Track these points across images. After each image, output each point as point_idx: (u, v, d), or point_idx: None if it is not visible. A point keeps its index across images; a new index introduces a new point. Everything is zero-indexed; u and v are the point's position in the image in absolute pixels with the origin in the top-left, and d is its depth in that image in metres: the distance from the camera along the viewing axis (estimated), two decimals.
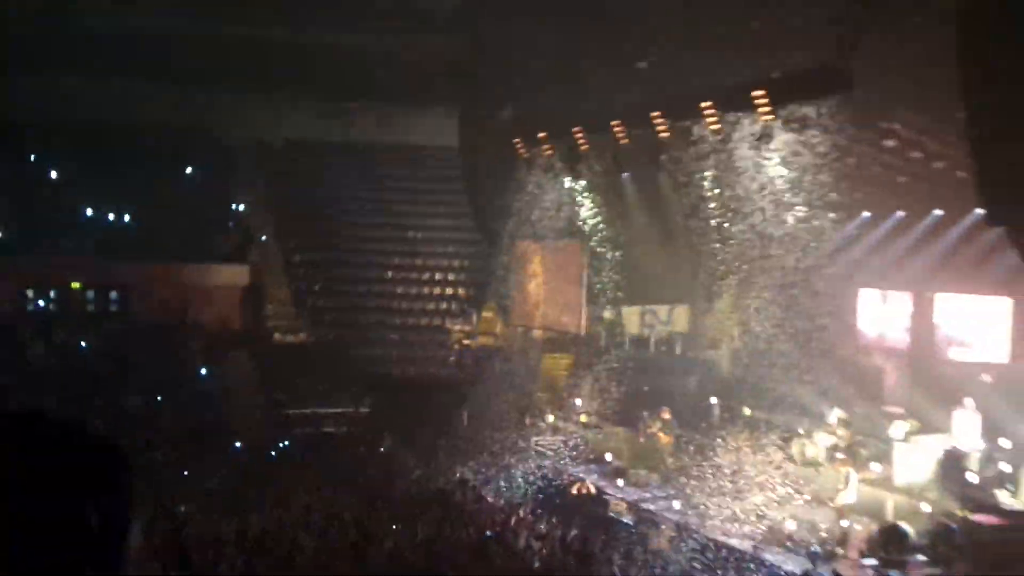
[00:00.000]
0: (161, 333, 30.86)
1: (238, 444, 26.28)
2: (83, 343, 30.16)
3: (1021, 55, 13.41)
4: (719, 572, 17.60)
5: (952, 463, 19.22)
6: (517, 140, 28.75)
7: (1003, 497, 18.31)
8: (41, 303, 31.68)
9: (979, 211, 19.53)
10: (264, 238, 35.21)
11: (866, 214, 25.81)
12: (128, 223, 33.67)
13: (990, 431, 19.98)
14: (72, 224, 32.79)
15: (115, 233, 33.24)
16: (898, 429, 20.93)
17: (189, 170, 35.76)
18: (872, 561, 16.47)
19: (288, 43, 31.35)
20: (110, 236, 33.03)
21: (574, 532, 19.58)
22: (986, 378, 22.09)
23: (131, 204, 33.90)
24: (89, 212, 33.39)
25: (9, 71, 31.97)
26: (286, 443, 27.21)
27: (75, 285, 31.80)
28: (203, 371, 29.94)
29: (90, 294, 32.09)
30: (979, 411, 20.19)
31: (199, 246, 33.41)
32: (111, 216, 33.60)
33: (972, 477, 18.82)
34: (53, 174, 34.27)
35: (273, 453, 26.30)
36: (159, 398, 28.32)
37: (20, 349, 29.19)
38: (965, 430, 20.16)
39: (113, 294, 32.24)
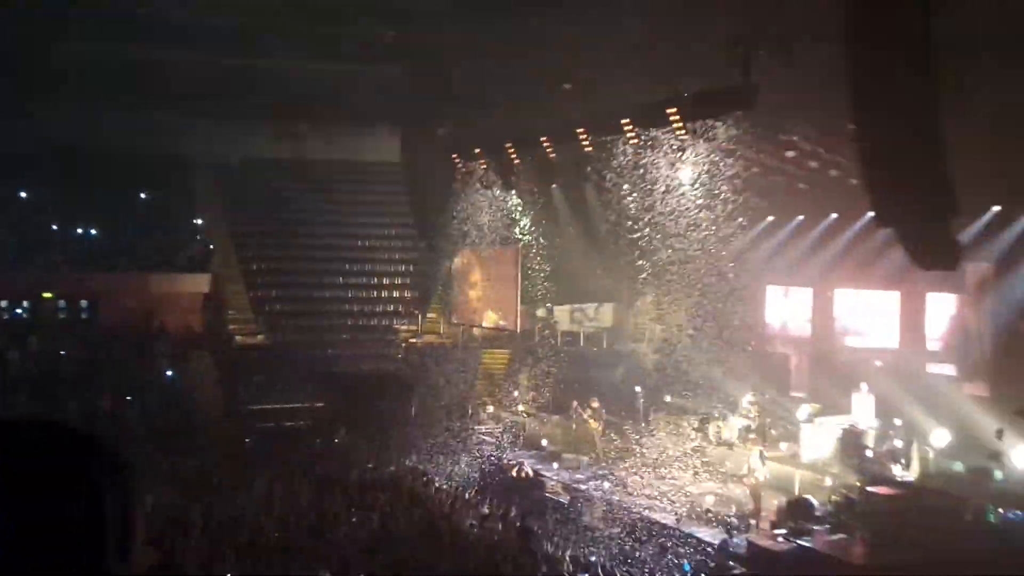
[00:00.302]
0: (128, 338, 30.47)
1: (203, 438, 25.99)
2: (56, 349, 29.63)
3: (902, 69, 13.61)
4: (645, 544, 17.73)
5: (851, 441, 19.55)
6: (455, 155, 28.73)
7: (896, 470, 18.65)
8: (16, 312, 31.07)
9: (870, 214, 19.84)
10: (223, 248, 34.84)
11: (770, 218, 26.16)
12: (96, 237, 33.17)
13: (883, 411, 20.36)
14: (44, 239, 32.22)
15: (84, 247, 32.73)
16: (803, 411, 21.25)
17: (153, 188, 35.33)
18: (782, 530, 16.68)
19: (242, 70, 31.06)
20: (79, 250, 32.52)
21: (514, 511, 19.65)
22: (878, 363, 22.51)
23: (99, 220, 33.42)
24: (58, 228, 32.82)
25: None
26: (248, 437, 26.96)
27: (47, 295, 31.21)
28: (168, 372, 29.58)
29: (62, 303, 31.50)
30: (873, 393, 20.56)
31: (163, 257, 33.01)
32: (80, 231, 33.07)
33: (869, 453, 19.15)
34: (23, 194, 33.65)
35: (236, 447, 26.01)
36: (128, 398, 27.95)
37: None
38: (862, 411, 20.52)
39: (83, 303, 31.67)
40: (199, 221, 35.41)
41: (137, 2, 25.81)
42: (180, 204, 35.47)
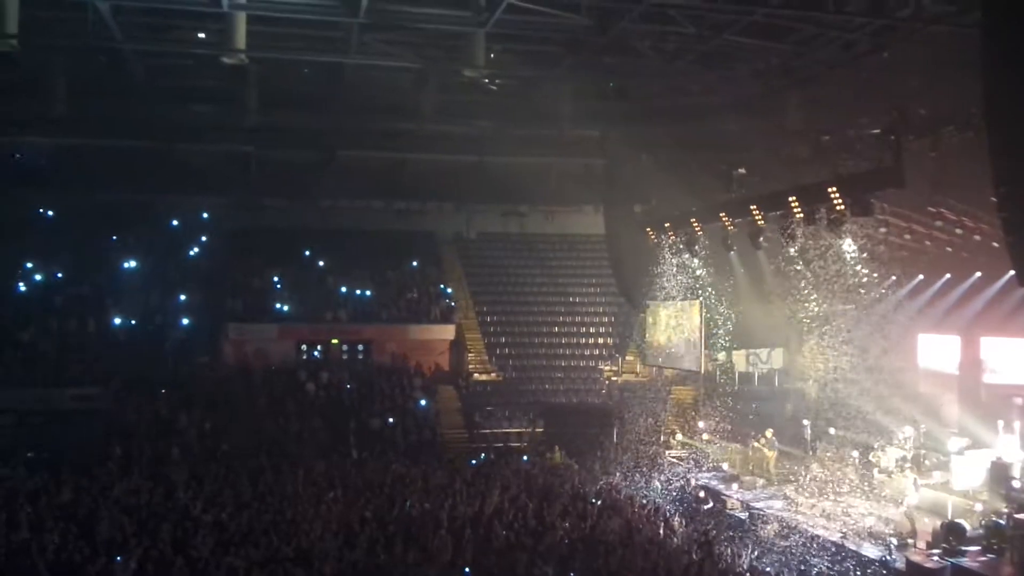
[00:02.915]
0: (392, 374, 31.87)
1: (447, 454, 26.69)
2: (340, 381, 31.26)
3: None
4: (814, 558, 16.88)
5: (999, 472, 18.06)
6: (648, 228, 28.66)
7: None
8: (313, 354, 33.00)
9: (1011, 272, 18.41)
10: (464, 305, 36.00)
11: (920, 276, 24.75)
12: (370, 297, 34.94)
13: None
14: (332, 299, 34.25)
15: (361, 305, 34.55)
16: (954, 444, 19.82)
17: (411, 259, 37.03)
18: (937, 550, 15.55)
19: (476, 166, 32.19)
20: (358, 307, 34.35)
21: (700, 524, 19.17)
22: (1018, 400, 20.76)
23: (372, 284, 35.23)
24: (343, 290, 34.77)
25: (288, 198, 34.08)
26: (482, 455, 27.47)
27: (334, 341, 33.08)
28: (422, 401, 30.63)
29: (345, 347, 33.28)
30: (1016, 428, 19.00)
31: (419, 312, 34.44)
32: (358, 292, 34.93)
33: (1016, 483, 17.63)
34: (320, 264, 35.92)
35: (473, 461, 26.55)
36: (391, 420, 29.09)
37: (299, 387, 30.52)
38: (1007, 444, 18.96)
39: (360, 347, 33.36)
40: (447, 283, 36.73)
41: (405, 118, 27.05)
42: (431, 270, 37.00)
